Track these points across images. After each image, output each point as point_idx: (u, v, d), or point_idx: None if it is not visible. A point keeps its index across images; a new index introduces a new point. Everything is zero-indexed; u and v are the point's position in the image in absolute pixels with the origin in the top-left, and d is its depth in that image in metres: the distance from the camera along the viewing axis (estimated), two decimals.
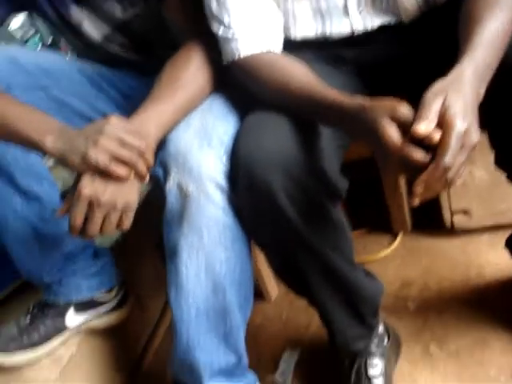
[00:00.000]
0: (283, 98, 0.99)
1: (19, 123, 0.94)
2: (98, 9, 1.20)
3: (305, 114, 0.98)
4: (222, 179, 0.98)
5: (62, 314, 1.25)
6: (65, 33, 1.26)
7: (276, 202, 0.94)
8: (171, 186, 1.00)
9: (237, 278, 1.04)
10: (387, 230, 1.67)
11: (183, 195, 0.99)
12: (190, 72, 1.06)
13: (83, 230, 0.94)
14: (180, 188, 0.99)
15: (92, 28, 1.23)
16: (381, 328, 1.25)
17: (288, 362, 1.38)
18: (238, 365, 1.12)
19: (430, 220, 1.61)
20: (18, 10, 1.23)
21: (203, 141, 1.00)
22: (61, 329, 1.26)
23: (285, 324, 1.51)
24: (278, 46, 1.07)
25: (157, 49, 1.27)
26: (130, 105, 1.29)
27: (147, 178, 0.96)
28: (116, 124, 0.94)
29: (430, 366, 1.27)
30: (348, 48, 1.14)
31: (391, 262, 1.57)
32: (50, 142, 0.93)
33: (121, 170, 0.92)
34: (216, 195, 0.98)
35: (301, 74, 1.00)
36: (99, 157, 0.91)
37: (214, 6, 1.04)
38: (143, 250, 1.61)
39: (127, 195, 0.95)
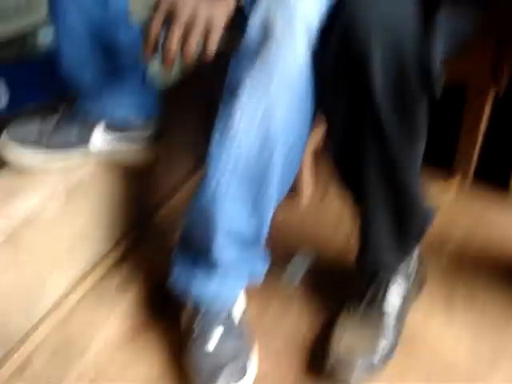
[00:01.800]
0: None
1: None
2: None
3: None
4: (315, 26, 0.85)
5: (91, 127, 1.16)
6: None
7: (368, 70, 0.81)
8: (256, 20, 0.87)
9: (289, 142, 0.92)
10: (445, 170, 1.54)
11: (267, 32, 0.86)
12: None
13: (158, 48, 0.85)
14: (266, 23, 0.86)
15: None
16: (415, 256, 1.14)
17: (300, 265, 1.29)
18: (255, 237, 1.02)
19: (498, 180, 1.49)
20: None
21: None
22: (85, 142, 1.16)
23: (309, 228, 1.41)
24: None
25: None
26: None
27: None
28: None
29: (448, 317, 1.17)
30: None
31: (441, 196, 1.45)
32: None
33: None
34: (302, 43, 0.85)
35: None
36: None
37: None
38: (187, 108, 1.50)
39: (214, 10, 0.84)
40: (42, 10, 1.57)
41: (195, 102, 1.51)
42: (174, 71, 1.47)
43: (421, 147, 0.95)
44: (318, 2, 0.85)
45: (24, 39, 1.65)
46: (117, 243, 1.34)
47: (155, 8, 0.84)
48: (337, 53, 0.84)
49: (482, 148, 1.47)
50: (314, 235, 1.39)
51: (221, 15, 0.84)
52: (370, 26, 0.80)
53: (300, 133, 0.93)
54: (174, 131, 1.39)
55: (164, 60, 0.86)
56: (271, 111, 0.89)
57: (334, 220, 1.43)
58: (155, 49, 0.87)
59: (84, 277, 1.25)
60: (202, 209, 0.97)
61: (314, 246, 1.35)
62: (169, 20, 0.84)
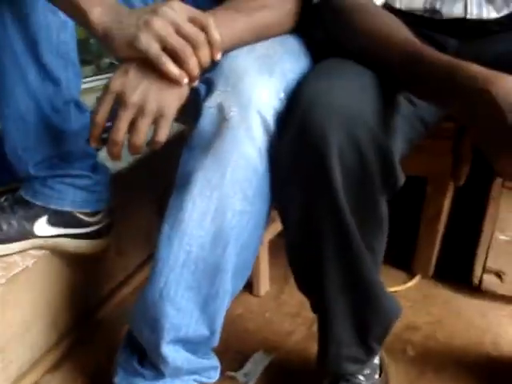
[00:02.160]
0: (380, 49, 0.83)
1: None
2: None
3: (402, 72, 0.81)
4: (270, 116, 0.82)
5: (33, 219, 1.07)
6: None
7: (325, 160, 0.77)
8: (210, 105, 0.83)
9: (245, 237, 0.87)
10: (405, 267, 1.50)
11: (221, 118, 0.82)
12: None
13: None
14: (220, 109, 0.82)
15: None
16: (376, 360, 1.07)
17: (257, 364, 1.20)
18: (206, 341, 0.95)
19: (457, 270, 1.45)
20: None
21: (264, 68, 0.84)
22: (26, 235, 1.08)
23: (266, 324, 1.33)
24: (378, 2, 0.93)
25: None
26: None
27: (196, 82, 0.80)
28: (177, 8, 0.78)
29: None
30: (453, 36, 1.00)
31: (401, 300, 1.40)
32: (96, 13, 0.78)
33: (172, 68, 0.76)
34: (258, 132, 0.82)
35: (406, 31, 0.84)
36: (149, 42, 0.76)
37: None
38: (140, 196, 1.44)
39: (165, 98, 0.79)
40: None
41: (149, 187, 1.45)
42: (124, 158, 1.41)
43: (383, 242, 0.90)
44: (275, 97, 0.83)
45: None
46: (56, 342, 1.23)
47: (103, 92, 0.79)
48: (294, 141, 0.80)
49: (442, 244, 1.45)
50: (272, 332, 1.31)
51: (172, 103, 0.80)
52: (327, 117, 0.77)
53: (256, 224, 0.88)
54: (125, 219, 1.32)
55: (110, 152, 0.81)
56: (226, 205, 0.84)
57: (293, 310, 1.37)
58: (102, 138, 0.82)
59: (17, 381, 1.13)
60: (149, 307, 0.90)
61: (272, 341, 1.27)
62: (117, 107, 0.79)
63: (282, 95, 0.84)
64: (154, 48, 0.76)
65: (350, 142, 0.77)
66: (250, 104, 0.81)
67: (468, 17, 0.96)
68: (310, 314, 1.30)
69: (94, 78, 1.87)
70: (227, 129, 0.81)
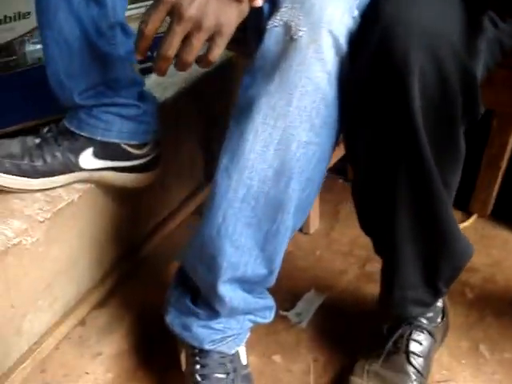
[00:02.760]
0: None
1: None
2: None
3: None
4: (343, 36, 0.74)
5: (79, 151, 1.02)
6: None
7: (406, 82, 0.69)
8: (276, 23, 0.75)
9: (309, 170, 0.80)
10: (461, 205, 1.42)
11: (288, 38, 0.74)
12: None
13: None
14: (287, 28, 0.74)
15: None
16: (439, 303, 1.01)
17: (309, 304, 1.16)
18: (263, 281, 0.90)
19: None
20: None
21: None
22: (71, 168, 1.02)
23: (317, 262, 1.28)
24: None
25: None
26: None
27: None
28: None
29: (475, 367, 1.05)
30: None
31: None
32: None
33: None
34: (329, 54, 0.73)
35: None
36: None
37: None
38: (185, 127, 1.37)
39: (225, 14, 0.71)
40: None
41: (194, 118, 1.38)
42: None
43: (458, 177, 0.83)
44: (348, 15, 0.74)
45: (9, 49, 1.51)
46: (102, 278, 1.19)
47: (155, 3, 0.71)
48: (371, 61, 0.72)
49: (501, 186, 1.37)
50: (323, 270, 1.26)
51: (232, 19, 0.72)
52: (409, 36, 0.69)
53: (321, 156, 0.81)
54: (169, 151, 1.26)
55: (157, 66, 0.73)
56: (291, 134, 0.76)
57: (345, 248, 1.32)
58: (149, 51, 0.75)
59: (64, 317, 1.11)
60: (205, 244, 0.84)
61: (324, 279, 1.23)
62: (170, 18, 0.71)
63: (356, 13, 0.75)
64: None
65: (433, 63, 0.70)
66: (321, 23, 0.72)
67: None
68: (361, 253, 1.27)
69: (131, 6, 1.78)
70: (294, 50, 0.73)
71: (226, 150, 0.81)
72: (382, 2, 0.72)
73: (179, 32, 0.70)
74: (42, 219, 0.99)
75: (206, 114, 1.41)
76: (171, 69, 0.74)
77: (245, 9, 0.73)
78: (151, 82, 1.27)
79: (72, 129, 1.01)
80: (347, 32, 0.74)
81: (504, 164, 1.31)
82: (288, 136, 0.77)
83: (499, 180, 1.34)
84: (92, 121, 1.00)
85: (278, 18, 0.75)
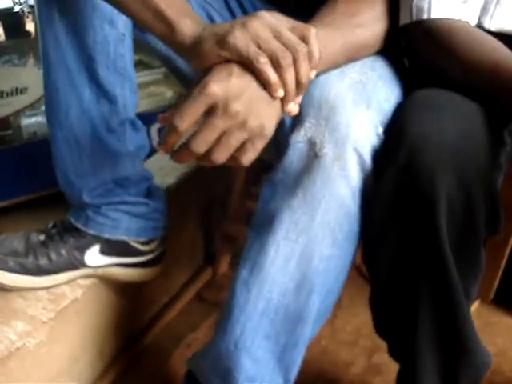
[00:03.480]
0: (485, 77, 0.75)
1: None
2: None
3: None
4: (368, 153, 0.73)
5: (85, 248, 0.99)
6: None
7: (433, 205, 0.69)
8: (299, 139, 0.75)
9: (330, 282, 0.79)
10: None
11: (312, 155, 0.73)
12: (374, 13, 0.82)
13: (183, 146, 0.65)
14: (311, 145, 0.74)
15: None
16: None
17: None
18: None
19: None
20: None
21: (361, 98, 0.75)
22: (76, 265, 1.00)
23: (322, 354, 1.25)
24: (473, 22, 0.84)
25: None
26: None
27: (297, 108, 0.69)
28: (276, 15, 0.68)
29: None
30: None
31: None
32: (186, 24, 0.68)
33: (269, 70, 0.64)
34: (354, 170, 0.73)
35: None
36: (244, 40, 0.64)
37: None
38: (187, 212, 1.35)
39: (266, 114, 0.66)
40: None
41: (194, 203, 1.37)
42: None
43: (477, 286, 0.82)
44: (373, 132, 0.74)
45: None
46: (103, 372, 1.15)
47: (195, 95, 0.64)
48: (397, 181, 0.72)
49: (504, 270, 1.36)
50: (328, 361, 1.23)
51: (273, 121, 0.67)
52: (437, 160, 0.69)
53: (343, 268, 0.80)
54: (169, 238, 1.24)
55: (179, 159, 0.67)
56: (313, 249, 0.76)
57: (350, 338, 1.29)
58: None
59: None
60: (222, 357, 0.82)
61: (330, 373, 1.20)
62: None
63: (381, 130, 0.75)
64: (251, 47, 0.64)
65: (461, 190, 0.70)
66: (347, 140, 0.72)
67: None
68: (367, 342, 1.25)
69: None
70: (319, 167, 0.73)
71: (245, 262, 0.79)
72: (407, 123, 0.72)
73: (220, 128, 0.64)
74: (45, 319, 0.96)
75: (207, 197, 1.40)
76: None
77: (279, 110, 0.69)
78: (151, 165, 1.26)
79: (78, 226, 0.99)
80: (372, 149, 0.74)
81: (507, 251, 1.30)
82: (310, 250, 0.76)
83: (503, 267, 1.33)
84: (100, 218, 0.98)
85: (302, 133, 0.74)
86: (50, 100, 0.93)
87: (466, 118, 0.74)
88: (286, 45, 0.65)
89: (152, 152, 1.61)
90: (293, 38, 0.66)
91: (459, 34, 0.80)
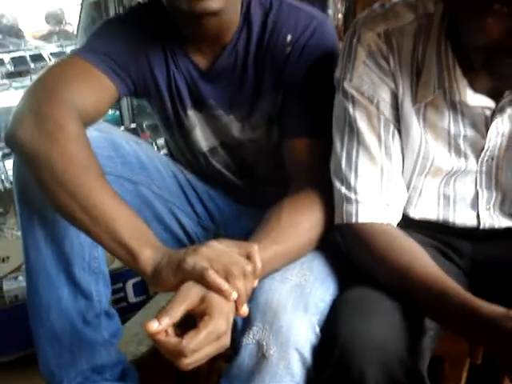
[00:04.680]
0: (400, 279, 0.89)
1: (122, 226, 0.84)
2: (215, 121, 1.13)
3: (424, 305, 0.87)
4: (308, 351, 0.86)
5: None
6: (172, 130, 1.18)
7: None
8: (249, 341, 0.87)
9: None
10: None
11: (260, 355, 0.86)
12: (313, 221, 0.97)
13: None
14: (259, 347, 0.86)
15: (202, 137, 1.16)
16: None
17: None
18: None
19: None
20: (137, 94, 1.15)
21: (299, 302, 0.89)
22: None
23: None
24: (396, 221, 0.99)
25: (259, 171, 1.20)
26: (212, 227, 1.21)
27: (246, 311, 0.82)
28: (223, 241, 0.84)
29: None
30: (467, 241, 1.05)
31: None
32: (147, 254, 0.83)
33: (220, 280, 0.78)
34: (296, 367, 0.85)
35: (424, 258, 0.91)
36: (197, 262, 0.78)
37: (343, 163, 0.96)
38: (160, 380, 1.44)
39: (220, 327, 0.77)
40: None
41: (166, 371, 1.46)
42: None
43: None
44: (311, 332, 0.87)
45: None
46: None
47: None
48: (332, 377, 0.84)
49: None
50: None
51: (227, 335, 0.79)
52: (364, 359, 0.81)
53: None
54: None
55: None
56: None
57: None
58: None
59: None
60: None
61: None
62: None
63: (318, 329, 0.88)
64: (199, 265, 0.78)
65: (387, 379, 0.81)
66: (289, 343, 0.85)
67: (481, 227, 1.02)
68: None
69: None
70: (267, 365, 0.85)
71: None
72: (339, 325, 0.85)
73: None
74: None
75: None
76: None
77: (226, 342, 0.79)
78: (127, 332, 1.36)
79: None
80: (311, 347, 0.86)
81: None
82: None
83: None
84: None
85: (251, 335, 0.87)
86: (32, 301, 1.05)
87: (390, 316, 0.87)
88: (234, 263, 0.80)
89: (128, 309, 1.72)
90: (240, 258, 0.81)
91: (380, 236, 0.94)
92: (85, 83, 0.99)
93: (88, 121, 0.98)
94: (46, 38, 2.72)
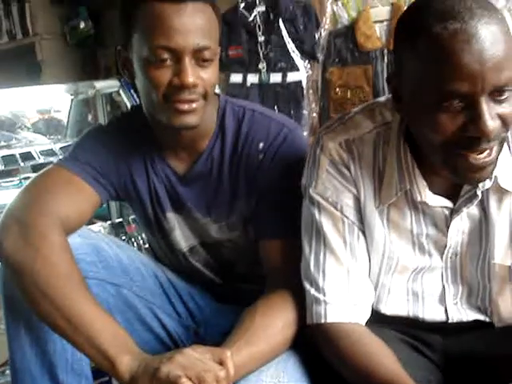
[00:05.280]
0: (364, 381, 0.92)
1: (101, 334, 0.89)
2: (194, 222, 1.19)
3: None
4: None
5: None
6: (153, 230, 1.24)
7: None
8: None
9: None
10: None
11: None
12: (286, 320, 1.01)
13: None
14: None
15: (181, 237, 1.21)
16: None
17: None
18: None
19: None
20: (118, 198, 1.21)
21: None
22: None
23: None
24: (364, 319, 1.02)
25: (238, 268, 1.25)
26: (193, 326, 1.24)
27: None
28: (197, 349, 0.89)
29: None
30: (438, 335, 1.08)
31: None
32: (125, 361, 0.87)
33: None
34: None
35: (388, 362, 0.94)
36: (172, 370, 0.83)
37: (311, 265, 1.01)
38: None
39: None
40: None
41: None
42: None
43: None
44: None
45: None
46: None
47: None
48: None
49: None
50: None
51: None
52: None
53: None
54: None
55: None
56: None
57: None
58: None
59: None
60: None
61: None
62: None
63: None
64: (173, 373, 0.83)
65: None
66: None
67: (449, 321, 1.06)
68: None
69: None
70: None
71: None
72: None
73: None
74: None
75: None
76: None
77: None
78: None
79: None
80: None
81: None
82: None
83: None
84: None
85: None
86: None
87: None
88: (207, 370, 0.84)
89: None
90: (213, 365, 0.86)
91: (346, 337, 0.97)
92: (67, 194, 1.06)
93: (71, 229, 1.04)
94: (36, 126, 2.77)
